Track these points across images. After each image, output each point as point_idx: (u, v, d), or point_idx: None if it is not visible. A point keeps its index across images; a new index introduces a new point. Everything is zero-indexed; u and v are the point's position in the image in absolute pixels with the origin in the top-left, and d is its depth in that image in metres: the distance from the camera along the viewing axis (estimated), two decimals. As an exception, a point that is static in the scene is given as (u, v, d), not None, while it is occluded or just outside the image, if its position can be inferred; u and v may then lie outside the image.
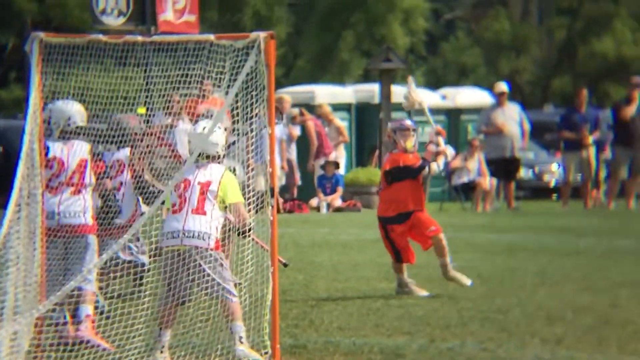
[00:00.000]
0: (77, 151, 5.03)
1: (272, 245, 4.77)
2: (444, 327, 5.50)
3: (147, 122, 5.10)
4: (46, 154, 4.96)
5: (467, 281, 6.32)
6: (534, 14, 25.60)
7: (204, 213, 4.75)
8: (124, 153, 5.76)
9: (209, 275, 4.71)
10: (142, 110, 5.24)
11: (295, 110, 12.06)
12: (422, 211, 6.39)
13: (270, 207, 4.76)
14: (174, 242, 4.77)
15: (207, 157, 4.85)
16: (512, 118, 12.34)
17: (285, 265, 5.33)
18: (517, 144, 12.35)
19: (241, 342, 4.71)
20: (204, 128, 4.84)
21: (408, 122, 6.43)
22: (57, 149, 5.07)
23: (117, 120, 5.26)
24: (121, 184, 5.73)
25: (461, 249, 8.17)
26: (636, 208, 12.01)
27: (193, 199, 4.77)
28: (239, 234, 4.82)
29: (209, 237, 4.74)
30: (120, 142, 5.34)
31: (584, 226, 9.96)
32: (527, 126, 12.41)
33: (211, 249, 4.75)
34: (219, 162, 4.86)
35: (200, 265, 4.71)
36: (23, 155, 4.67)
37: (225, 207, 4.81)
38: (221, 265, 4.74)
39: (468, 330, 5.44)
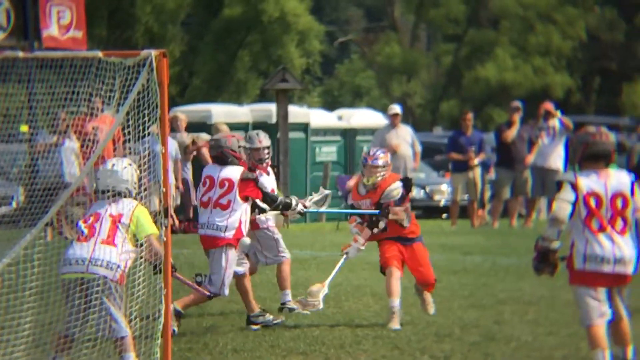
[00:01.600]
0: None
1: (166, 267, 4.65)
2: (338, 346, 5.54)
3: (30, 140, 4.87)
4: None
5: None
6: (423, 40, 26.56)
7: (114, 245, 4.66)
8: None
9: (105, 309, 4.60)
10: (24, 128, 5.01)
11: (187, 139, 11.85)
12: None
13: (163, 228, 4.65)
14: (78, 269, 4.62)
15: (118, 193, 4.75)
16: (404, 139, 12.67)
17: (174, 269, 5.13)
18: (410, 165, 12.69)
19: None
20: (112, 165, 4.75)
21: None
22: None
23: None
24: None
25: (357, 268, 8.26)
26: (518, 226, 12.57)
27: (103, 230, 4.68)
28: (154, 270, 4.68)
29: (116, 268, 4.64)
30: None
31: (471, 244, 10.32)
32: (418, 147, 12.78)
33: (115, 281, 4.64)
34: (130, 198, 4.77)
35: (99, 297, 4.59)
36: None
37: (137, 243, 4.71)
38: (121, 298, 4.64)
39: (362, 349, 5.50)
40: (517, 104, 12.92)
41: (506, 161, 12.57)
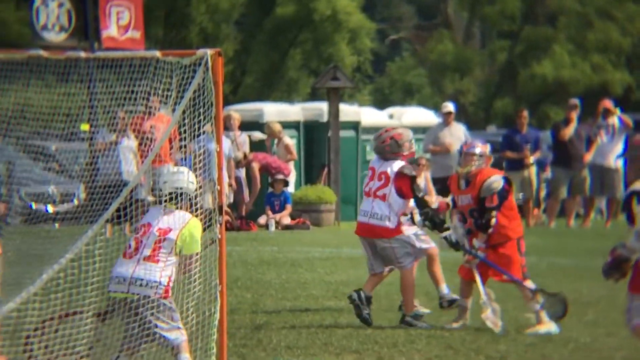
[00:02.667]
0: None
1: (221, 263, 4.71)
2: (391, 345, 5.52)
3: (91, 139, 4.99)
4: None
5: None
6: (477, 37, 26.24)
7: (156, 261, 4.67)
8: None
9: (154, 326, 4.62)
10: (85, 127, 5.14)
11: (239, 155, 11.97)
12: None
13: (218, 225, 4.71)
14: (120, 289, 4.67)
15: (176, 200, 4.72)
16: (458, 138, 12.52)
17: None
18: (463, 164, 12.53)
19: None
20: (177, 169, 4.76)
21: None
22: None
23: None
24: None
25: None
26: (575, 226, 12.32)
27: (148, 246, 4.68)
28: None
29: (157, 286, 4.65)
30: None
31: (526, 244, 10.17)
32: (471, 146, 12.61)
33: (159, 297, 4.66)
34: (192, 203, 4.75)
35: (145, 316, 4.62)
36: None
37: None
38: (170, 310, 4.66)
39: (415, 348, 5.48)
40: (574, 101, 12.67)
41: (563, 160, 12.34)
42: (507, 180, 6.10)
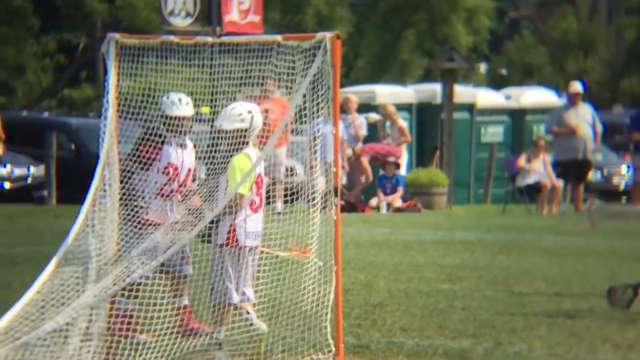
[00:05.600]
0: None
1: (336, 244, 4.77)
2: (510, 330, 5.38)
3: (212, 121, 5.17)
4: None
5: None
6: (603, 13, 24.94)
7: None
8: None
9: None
10: (206, 109, 5.31)
11: (361, 134, 11.92)
12: None
13: (334, 207, 4.76)
14: (256, 243, 4.76)
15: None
16: (585, 119, 11.99)
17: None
18: (590, 146, 12.01)
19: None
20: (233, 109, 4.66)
21: None
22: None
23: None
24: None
25: (527, 252, 8.01)
26: None
27: (263, 197, 4.79)
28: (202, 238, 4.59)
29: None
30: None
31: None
32: (599, 128, 12.07)
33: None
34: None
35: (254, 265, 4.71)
36: (103, 154, 4.78)
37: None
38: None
39: (535, 335, 5.31)
40: None
41: None
42: None
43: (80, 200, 4.76)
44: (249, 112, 4.82)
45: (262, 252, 4.80)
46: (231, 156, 4.77)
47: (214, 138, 4.89)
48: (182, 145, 5.07)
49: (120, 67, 4.87)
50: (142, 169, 4.91)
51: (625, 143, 13.78)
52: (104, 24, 20.07)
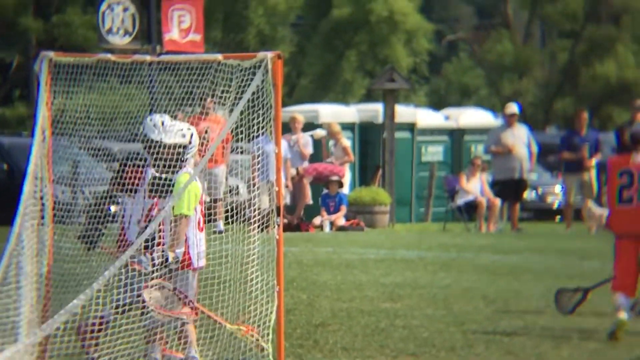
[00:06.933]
0: None
1: (278, 263, 4.74)
2: (449, 349, 5.46)
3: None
4: None
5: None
6: (537, 37, 25.75)
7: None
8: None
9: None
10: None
11: (306, 152, 11.99)
12: None
13: (276, 226, 4.74)
14: (203, 263, 4.70)
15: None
16: (520, 140, 12.31)
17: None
18: (526, 166, 12.32)
19: None
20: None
21: None
22: None
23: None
24: None
25: (466, 270, 8.12)
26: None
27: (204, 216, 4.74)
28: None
29: None
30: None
31: (588, 248, 9.92)
32: (534, 148, 12.39)
33: None
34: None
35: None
36: (30, 172, 4.65)
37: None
38: None
39: (473, 353, 5.40)
40: (640, 102, 12.33)
41: (628, 162, 11.95)
42: None
43: (12, 221, 4.63)
44: (189, 128, 4.77)
45: (208, 317, 4.72)
46: (170, 172, 4.71)
47: (151, 150, 4.77)
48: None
49: (55, 86, 4.77)
50: (128, 195, 4.75)
51: (557, 163, 14.22)
52: (38, 41, 19.69)
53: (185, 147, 4.74)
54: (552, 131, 19.83)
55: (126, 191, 4.77)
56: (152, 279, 4.65)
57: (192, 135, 4.76)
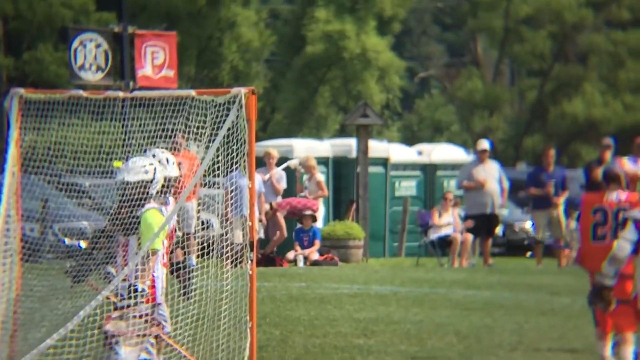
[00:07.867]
0: None
1: (251, 299, 4.71)
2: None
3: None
4: None
5: None
6: (506, 75, 26.25)
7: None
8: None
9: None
10: (118, 164, 5.22)
11: (280, 188, 11.98)
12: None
13: (249, 261, 4.72)
14: (162, 299, 4.71)
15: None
16: (492, 175, 12.43)
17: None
18: (497, 201, 12.46)
19: None
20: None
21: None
22: None
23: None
24: None
25: (439, 305, 8.13)
26: (609, 267, 11.96)
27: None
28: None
29: None
30: None
31: (559, 284, 9.99)
32: (505, 184, 12.56)
33: None
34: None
35: None
36: (2, 210, 4.60)
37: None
38: None
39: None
40: (608, 140, 12.56)
41: (596, 200, 12.11)
42: None
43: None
44: (151, 164, 4.76)
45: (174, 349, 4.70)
46: (134, 208, 4.70)
47: (118, 191, 4.77)
48: (165, 204, 4.89)
49: (25, 122, 4.75)
50: (125, 234, 4.72)
51: (527, 199, 14.41)
52: (9, 78, 19.54)
53: (148, 182, 4.72)
54: (523, 167, 20.12)
55: (121, 230, 4.75)
56: (116, 309, 4.61)
57: (155, 170, 4.75)
